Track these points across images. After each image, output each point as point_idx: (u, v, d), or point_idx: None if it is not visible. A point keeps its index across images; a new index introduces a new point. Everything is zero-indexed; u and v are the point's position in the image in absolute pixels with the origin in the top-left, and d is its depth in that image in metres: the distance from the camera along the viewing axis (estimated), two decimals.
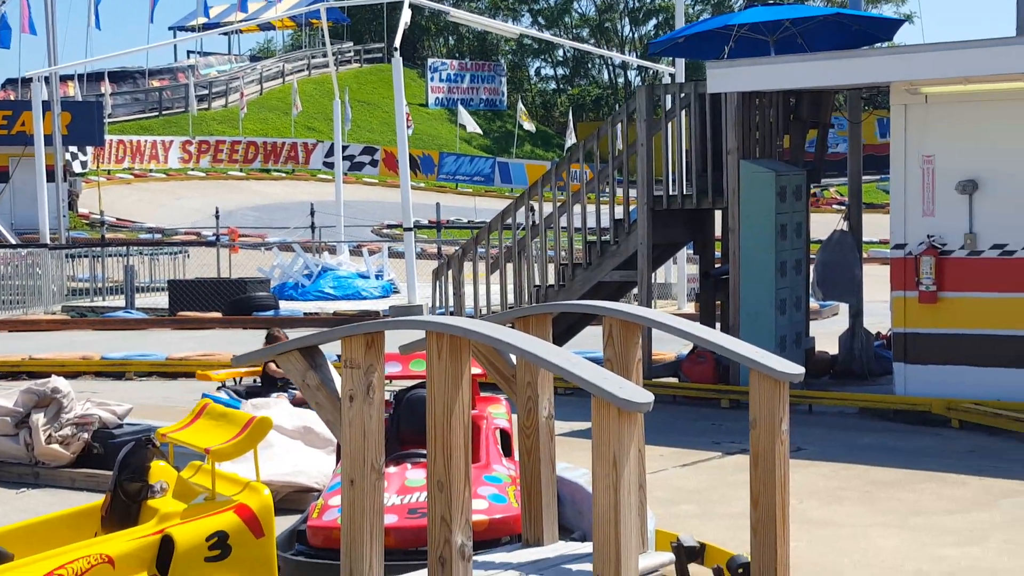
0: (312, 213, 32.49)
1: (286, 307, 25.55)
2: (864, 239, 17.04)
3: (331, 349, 5.81)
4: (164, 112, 56.42)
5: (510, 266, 16.27)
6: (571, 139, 46.82)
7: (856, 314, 15.76)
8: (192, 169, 52.65)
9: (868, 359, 15.60)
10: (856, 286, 15.57)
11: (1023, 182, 12.69)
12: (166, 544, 5.86)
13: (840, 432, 12.55)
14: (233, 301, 24.65)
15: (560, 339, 16.09)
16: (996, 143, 12.81)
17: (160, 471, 6.27)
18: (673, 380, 15.38)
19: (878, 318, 17.70)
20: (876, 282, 17.64)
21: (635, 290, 15.91)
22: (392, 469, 7.69)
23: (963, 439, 12.00)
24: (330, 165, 45.39)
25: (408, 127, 25.85)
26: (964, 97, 12.85)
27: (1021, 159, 12.70)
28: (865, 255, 17.83)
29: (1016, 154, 12.71)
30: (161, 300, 26.76)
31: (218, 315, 24.25)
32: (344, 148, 44.70)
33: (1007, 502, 9.44)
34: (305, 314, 24.36)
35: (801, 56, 13.71)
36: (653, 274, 16.27)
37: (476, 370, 7.45)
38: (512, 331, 5.26)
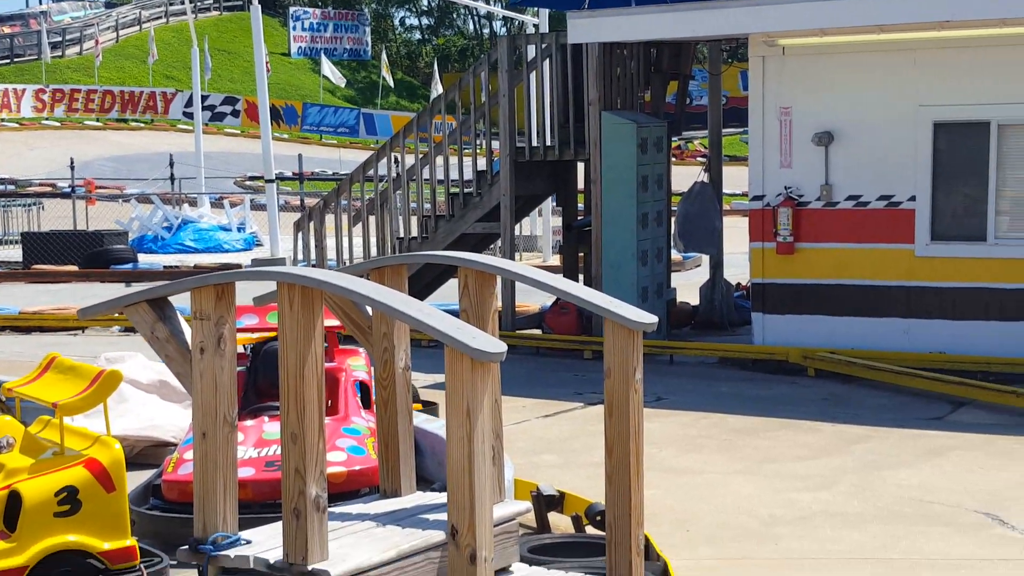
0: (172, 164, 31.87)
1: (145, 260, 25.08)
2: (726, 191, 17.29)
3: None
4: (15, 60, 54.80)
5: (373, 218, 16.15)
6: (437, 90, 46.52)
7: (716, 265, 15.97)
8: (46, 119, 51.24)
9: (728, 309, 15.83)
10: (716, 237, 15.76)
11: (877, 134, 12.93)
12: (13, 499, 5.72)
13: (700, 381, 12.73)
14: (89, 254, 24.11)
15: (426, 290, 16.05)
16: (851, 95, 13.02)
17: (6, 426, 6.10)
18: (537, 332, 15.45)
19: (738, 269, 17.96)
20: (737, 234, 17.89)
21: (498, 242, 15.93)
22: (249, 422, 7.60)
23: (818, 387, 12.25)
24: (190, 115, 44.51)
25: (267, 72, 25.43)
26: (820, 49, 13.03)
27: (875, 111, 12.93)
28: (726, 207, 18.10)
29: (870, 106, 12.94)
30: (14, 253, 26.10)
31: (74, 268, 23.71)
32: (204, 98, 43.88)
33: (858, 447, 9.66)
34: (165, 267, 23.95)
35: (660, 7, 13.74)
36: (517, 226, 16.30)
37: (335, 322, 7.38)
38: (365, 282, 5.20)
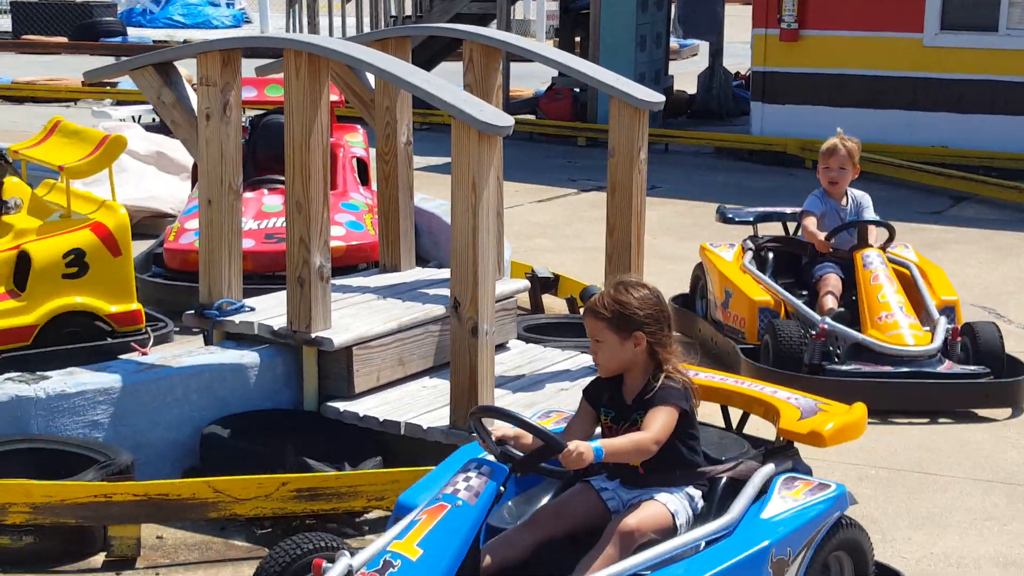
0: None
1: (134, 34, 24.77)
2: None
3: None
4: None
5: None
6: None
7: (716, 53, 15.80)
8: None
9: (726, 99, 15.74)
10: (717, 24, 15.56)
11: None
12: (23, 260, 5.77)
13: (695, 171, 12.73)
14: (79, 26, 23.78)
15: None
16: None
17: (13, 187, 6.12)
18: (530, 117, 15.38)
19: (738, 59, 17.80)
20: (738, 22, 17.68)
21: (493, 23, 15.71)
22: (249, 195, 7.59)
23: (816, 179, 12.18)
24: None
25: None
26: None
27: None
28: None
29: None
30: (4, 23, 25.71)
31: (64, 40, 23.38)
32: None
33: None
34: (154, 42, 23.64)
35: None
36: (512, 8, 16.06)
37: (333, 97, 7.32)
38: (372, 51, 5.13)
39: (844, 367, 6.06)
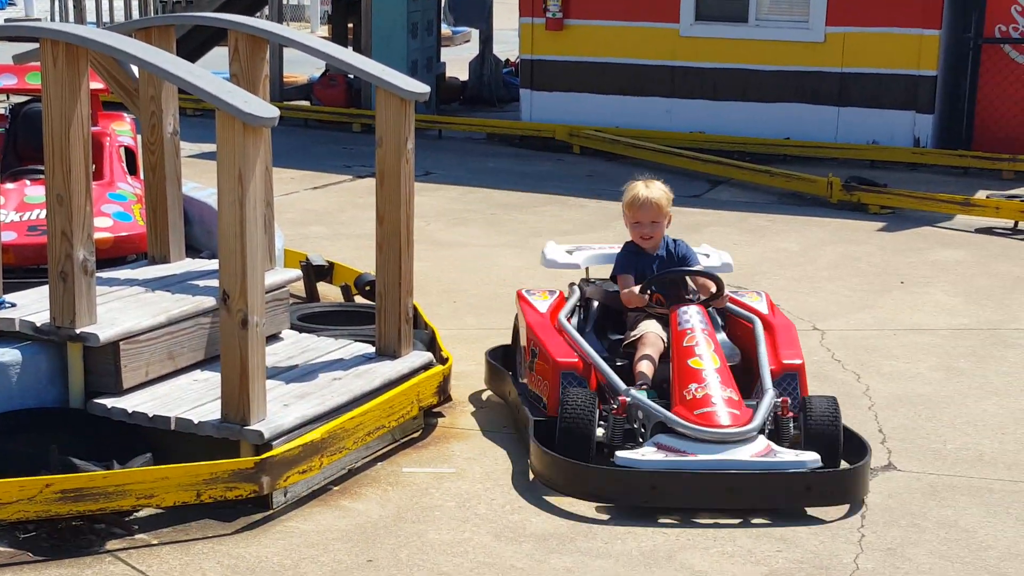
0: None
1: None
2: None
3: None
4: None
5: None
6: None
7: (486, 40, 15.98)
8: None
9: (497, 85, 15.94)
10: (486, 12, 15.74)
11: None
12: None
13: (468, 157, 12.85)
14: None
15: (189, 58, 15.64)
16: None
17: None
18: (305, 103, 15.29)
19: (508, 46, 18.01)
20: (508, 10, 17.87)
21: (266, 9, 15.54)
22: (10, 185, 7.38)
23: (583, 164, 12.52)
24: None
25: None
26: None
27: None
28: None
29: None
30: None
31: None
32: None
33: (620, 223, 9.93)
34: None
35: None
36: None
37: (98, 85, 7.17)
38: (133, 41, 5.05)
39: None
